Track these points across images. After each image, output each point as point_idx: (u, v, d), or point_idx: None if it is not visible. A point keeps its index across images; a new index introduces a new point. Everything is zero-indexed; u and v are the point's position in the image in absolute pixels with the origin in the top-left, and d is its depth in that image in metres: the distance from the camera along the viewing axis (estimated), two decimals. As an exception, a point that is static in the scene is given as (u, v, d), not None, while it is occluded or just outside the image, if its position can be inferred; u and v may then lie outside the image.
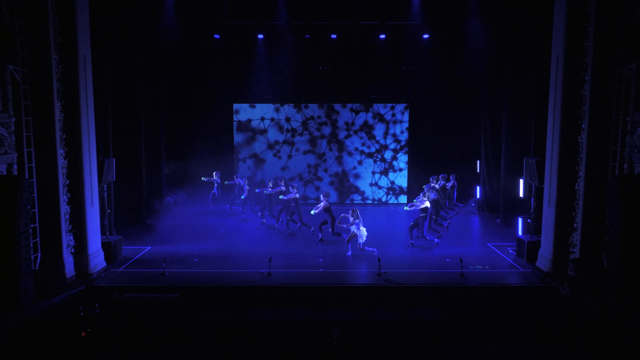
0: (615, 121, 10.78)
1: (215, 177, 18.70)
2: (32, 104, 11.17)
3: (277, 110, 20.52)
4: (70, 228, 12.06)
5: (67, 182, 11.94)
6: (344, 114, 20.49)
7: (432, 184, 17.03)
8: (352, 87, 20.11)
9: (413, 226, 14.49)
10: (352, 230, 13.46)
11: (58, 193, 11.58)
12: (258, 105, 20.49)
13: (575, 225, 11.78)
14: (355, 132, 20.55)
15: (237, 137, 20.67)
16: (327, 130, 20.56)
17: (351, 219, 13.42)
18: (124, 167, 15.56)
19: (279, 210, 16.46)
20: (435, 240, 14.53)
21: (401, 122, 20.49)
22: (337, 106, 20.45)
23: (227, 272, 12.41)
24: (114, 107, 15.39)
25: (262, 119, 20.51)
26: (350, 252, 13.54)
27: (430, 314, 10.26)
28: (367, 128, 20.52)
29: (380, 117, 20.45)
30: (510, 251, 14.02)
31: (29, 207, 10.46)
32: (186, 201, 19.49)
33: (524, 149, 15.08)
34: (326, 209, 14.59)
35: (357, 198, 20.84)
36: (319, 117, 20.53)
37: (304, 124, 20.55)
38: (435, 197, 16.04)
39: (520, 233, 14.33)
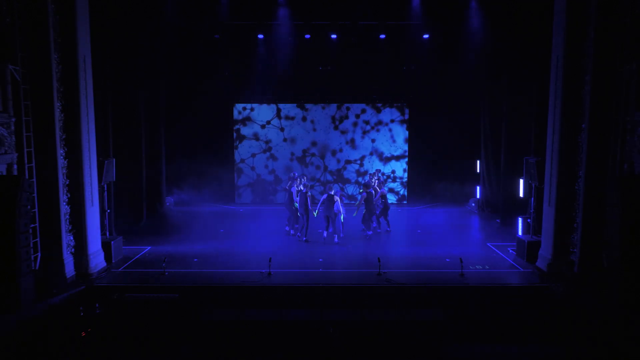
0: (615, 121, 10.78)
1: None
2: (32, 104, 11.17)
3: (277, 110, 20.50)
4: (70, 228, 12.05)
5: (67, 182, 11.93)
6: (344, 114, 20.47)
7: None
8: (352, 87, 20.08)
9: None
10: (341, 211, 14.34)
11: (58, 193, 11.58)
12: (258, 106, 20.46)
13: (575, 225, 11.77)
14: (355, 132, 20.54)
15: (237, 137, 20.65)
16: (327, 130, 20.54)
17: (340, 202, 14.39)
18: (124, 167, 15.53)
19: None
20: (368, 232, 15.34)
21: (401, 122, 20.48)
22: (337, 106, 20.43)
23: (227, 272, 12.40)
24: (114, 107, 15.37)
25: (262, 125, 20.50)
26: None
27: (430, 314, 10.26)
28: (367, 128, 20.50)
29: (380, 117, 20.43)
30: (510, 251, 14.02)
31: (29, 207, 10.47)
32: (186, 201, 19.48)
33: (524, 149, 15.05)
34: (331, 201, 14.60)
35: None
36: (319, 117, 20.51)
37: (304, 124, 20.53)
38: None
39: (520, 233, 14.31)
